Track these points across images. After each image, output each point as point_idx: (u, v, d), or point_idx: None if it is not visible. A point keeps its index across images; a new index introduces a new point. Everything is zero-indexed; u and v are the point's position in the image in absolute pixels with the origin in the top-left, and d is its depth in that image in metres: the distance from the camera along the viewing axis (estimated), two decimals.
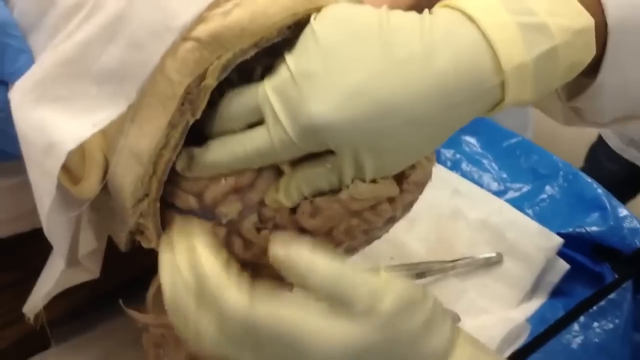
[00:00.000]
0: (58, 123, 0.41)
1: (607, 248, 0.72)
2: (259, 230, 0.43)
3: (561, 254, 0.72)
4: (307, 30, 0.41)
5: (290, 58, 0.40)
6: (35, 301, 0.49)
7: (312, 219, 0.43)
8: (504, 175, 0.80)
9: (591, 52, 0.42)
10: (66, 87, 0.41)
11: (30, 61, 0.44)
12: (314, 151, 0.40)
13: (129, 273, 0.60)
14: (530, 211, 0.77)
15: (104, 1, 0.41)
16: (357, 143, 0.39)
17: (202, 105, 0.40)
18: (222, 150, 0.42)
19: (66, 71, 0.41)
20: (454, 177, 0.75)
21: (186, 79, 0.39)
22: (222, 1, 0.39)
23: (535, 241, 0.70)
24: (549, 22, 0.40)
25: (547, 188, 0.78)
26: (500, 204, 0.73)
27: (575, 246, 0.72)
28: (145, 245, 0.46)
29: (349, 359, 0.38)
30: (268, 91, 0.40)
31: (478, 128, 0.83)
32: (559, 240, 0.70)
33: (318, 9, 0.41)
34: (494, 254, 0.70)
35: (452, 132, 0.41)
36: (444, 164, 0.80)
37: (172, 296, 0.41)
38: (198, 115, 0.40)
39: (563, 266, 0.70)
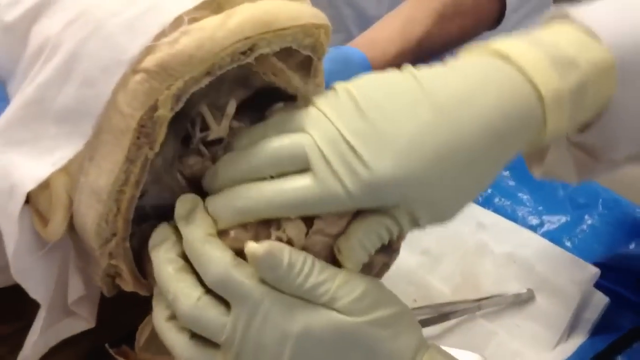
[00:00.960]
0: (20, 165, 0.41)
1: None
2: None
3: (601, 286, 0.66)
4: (340, 93, 0.41)
5: (330, 115, 0.40)
6: (27, 354, 0.48)
7: None
8: (540, 208, 0.76)
9: (614, 88, 0.44)
10: (28, 129, 0.41)
11: (4, 108, 0.44)
12: (366, 207, 0.39)
13: (133, 323, 0.59)
14: (569, 243, 0.72)
15: (60, 42, 0.41)
16: (416, 195, 0.39)
17: (159, 138, 0.39)
18: (253, 197, 0.40)
19: (28, 113, 0.41)
20: (477, 210, 0.72)
21: (137, 112, 0.38)
22: (169, 31, 0.38)
23: (568, 273, 0.65)
24: (579, 56, 0.42)
25: (587, 217, 0.73)
26: (528, 234, 0.69)
27: (617, 277, 0.67)
28: (125, 288, 0.44)
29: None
30: (320, 143, 0.39)
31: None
32: (595, 271, 0.65)
33: (272, 32, 0.40)
34: (524, 290, 0.65)
35: (501, 169, 0.42)
36: (475, 199, 0.76)
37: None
38: (156, 149, 0.39)
39: (602, 300, 0.65)
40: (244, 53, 0.40)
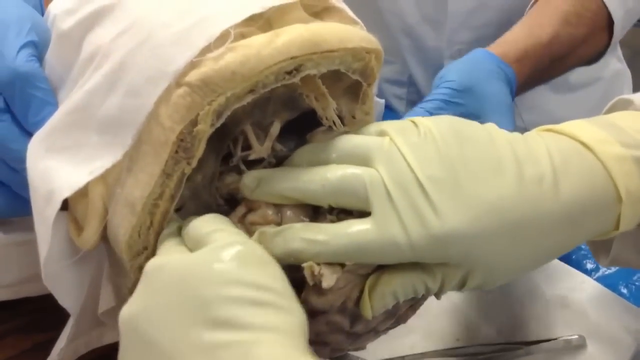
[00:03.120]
0: (60, 172, 0.41)
1: None
2: None
3: None
4: (421, 130, 0.39)
5: (407, 153, 0.38)
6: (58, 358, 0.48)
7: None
8: None
9: None
10: (71, 136, 0.41)
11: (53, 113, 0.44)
12: (427, 261, 0.37)
13: None
14: (625, 290, 0.69)
15: (110, 51, 0.41)
16: (480, 259, 0.37)
17: (198, 153, 0.39)
18: (306, 237, 0.37)
19: (72, 120, 0.41)
20: None
21: (178, 125, 0.38)
22: (216, 45, 0.38)
23: (622, 321, 0.62)
24: None
25: None
26: (582, 278, 0.66)
27: None
28: None
29: None
30: (388, 182, 0.37)
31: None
32: None
33: (319, 54, 0.39)
34: (575, 337, 0.62)
35: (561, 255, 0.42)
36: None
37: None
38: (194, 164, 0.39)
39: None
40: (289, 73, 0.39)
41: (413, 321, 0.64)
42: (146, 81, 0.38)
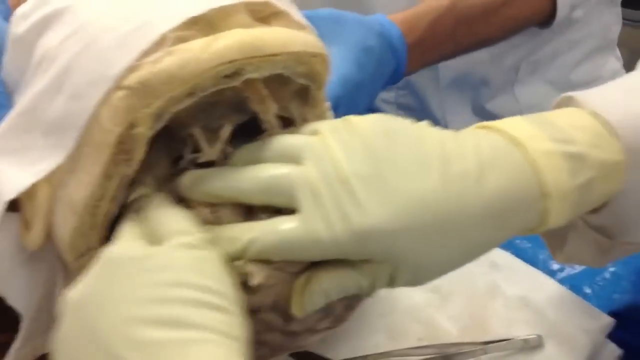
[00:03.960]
0: (7, 174, 0.41)
1: None
2: None
3: (617, 338, 0.64)
4: (353, 128, 0.40)
5: (337, 151, 0.38)
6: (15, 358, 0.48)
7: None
8: None
9: (620, 184, 0.44)
10: (19, 139, 0.42)
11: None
12: (351, 258, 0.38)
13: None
14: (589, 290, 0.69)
15: (57, 54, 0.41)
16: (404, 256, 0.38)
17: (137, 156, 0.39)
18: (235, 234, 0.39)
19: (20, 123, 0.42)
20: (494, 250, 0.69)
21: (117, 128, 0.38)
22: (155, 49, 0.38)
23: (581, 321, 0.62)
24: (590, 153, 0.42)
25: (609, 265, 0.70)
26: (542, 278, 0.67)
27: (635, 329, 0.64)
28: None
29: None
30: (315, 180, 0.38)
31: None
32: (609, 321, 0.62)
33: (260, 57, 0.39)
34: (533, 336, 0.63)
35: (493, 248, 0.42)
36: None
37: None
38: (134, 166, 0.40)
39: (614, 351, 0.62)
40: (229, 76, 0.39)
41: (377, 321, 0.66)
42: (88, 84, 0.39)
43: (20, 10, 0.45)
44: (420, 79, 0.98)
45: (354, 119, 0.40)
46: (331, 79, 0.50)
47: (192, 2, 0.40)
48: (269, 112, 0.41)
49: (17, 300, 0.45)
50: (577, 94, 0.46)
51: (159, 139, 0.42)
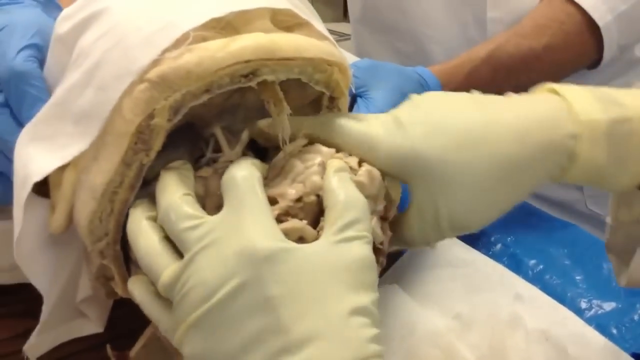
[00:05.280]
0: (36, 158, 0.44)
1: None
2: None
3: None
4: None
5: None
6: (32, 344, 0.50)
7: None
8: (592, 291, 0.72)
9: None
10: (51, 127, 0.45)
11: None
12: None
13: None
14: (615, 330, 0.68)
15: (90, 51, 0.44)
16: (437, 174, 0.42)
17: (156, 146, 0.42)
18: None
19: (54, 112, 0.45)
20: (518, 282, 0.69)
21: (137, 118, 0.41)
22: (177, 46, 0.41)
23: (600, 359, 0.61)
24: (625, 99, 0.44)
25: (639, 306, 0.69)
26: (565, 313, 0.66)
27: None
28: (117, 291, 0.47)
29: None
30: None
31: (569, 237, 0.76)
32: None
33: (275, 60, 0.42)
34: None
35: (524, 192, 0.44)
36: (525, 273, 0.74)
37: None
38: (152, 156, 0.42)
39: None
40: (245, 76, 0.42)
41: (396, 343, 0.66)
42: (114, 77, 0.42)
43: (64, 12, 0.49)
44: None
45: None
46: None
47: (216, 4, 0.43)
48: (282, 113, 0.43)
49: (40, 281, 0.47)
50: None
51: (182, 137, 0.44)
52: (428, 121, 0.43)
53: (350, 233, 0.37)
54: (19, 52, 0.49)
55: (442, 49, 0.97)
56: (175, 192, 0.40)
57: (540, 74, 0.83)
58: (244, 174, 0.39)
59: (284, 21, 0.46)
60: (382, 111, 0.64)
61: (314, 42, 0.44)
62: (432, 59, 0.98)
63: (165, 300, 0.39)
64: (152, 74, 0.40)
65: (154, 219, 0.40)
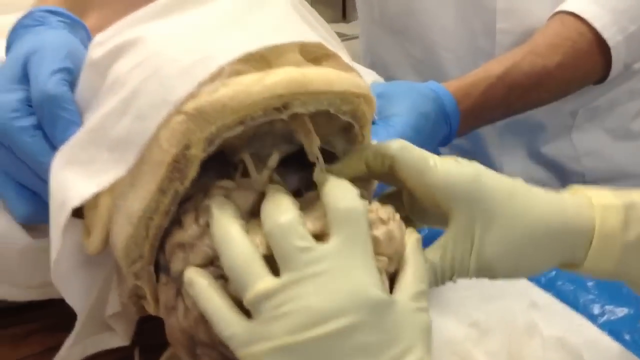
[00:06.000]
0: (73, 183, 0.46)
1: None
2: None
3: None
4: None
5: None
6: (62, 356, 0.52)
7: None
8: (605, 297, 0.74)
9: None
10: (87, 152, 0.46)
11: None
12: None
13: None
14: (628, 336, 0.70)
15: (126, 79, 0.46)
16: (489, 206, 0.45)
17: (190, 175, 0.43)
18: None
19: (90, 138, 0.47)
20: (533, 289, 0.71)
21: (174, 148, 0.42)
22: (212, 80, 0.42)
23: None
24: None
25: None
26: (580, 321, 0.67)
27: None
28: (148, 310, 0.48)
29: None
30: None
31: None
32: None
33: (306, 94, 0.43)
34: None
35: (541, 266, 0.49)
36: (537, 280, 0.76)
37: None
38: (187, 184, 0.44)
39: None
40: (278, 109, 0.43)
41: None
42: (151, 107, 0.43)
43: (97, 39, 0.50)
44: None
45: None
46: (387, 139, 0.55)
47: (249, 38, 0.44)
48: (313, 145, 0.45)
49: (75, 300, 0.49)
50: None
51: (211, 161, 0.46)
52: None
53: (423, 304, 0.41)
54: (51, 75, 0.50)
55: (452, 56, 0.98)
56: (290, 209, 0.41)
57: (550, 92, 0.85)
58: (361, 210, 0.41)
59: (313, 52, 0.47)
60: (401, 134, 0.66)
61: (343, 76, 0.45)
62: (442, 65, 1.00)
63: (233, 303, 0.40)
64: (189, 106, 0.42)
65: (242, 227, 0.42)
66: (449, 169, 0.46)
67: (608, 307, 0.73)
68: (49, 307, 0.61)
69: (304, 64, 0.45)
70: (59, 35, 0.55)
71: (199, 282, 0.41)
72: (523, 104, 0.84)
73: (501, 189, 0.46)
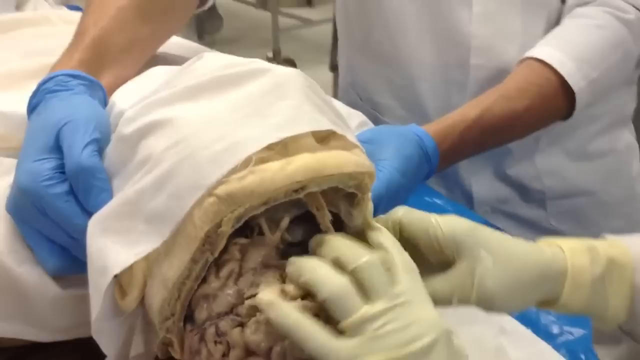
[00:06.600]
0: (112, 250, 0.52)
1: None
2: (215, 342, 0.51)
3: None
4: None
5: None
6: None
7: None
8: (564, 319, 0.82)
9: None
10: (123, 223, 0.52)
11: (109, 198, 0.56)
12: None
13: None
14: (583, 356, 0.78)
15: (161, 159, 0.52)
16: (489, 249, 0.55)
17: (220, 246, 0.50)
18: None
19: (125, 210, 0.53)
20: (504, 317, 0.79)
21: (206, 225, 0.49)
22: (240, 168, 0.49)
23: None
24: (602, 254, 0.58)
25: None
26: (542, 346, 0.76)
27: None
28: (174, 356, 0.55)
29: None
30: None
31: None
32: None
33: (321, 179, 0.50)
34: None
35: (525, 302, 0.58)
36: None
37: None
38: (216, 254, 0.50)
39: None
40: (296, 191, 0.50)
41: None
42: (186, 189, 0.50)
43: (127, 115, 0.56)
44: None
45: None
46: (377, 183, 0.62)
47: (271, 128, 0.51)
48: (325, 219, 0.52)
49: (109, 349, 0.56)
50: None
51: None
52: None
53: None
54: (84, 148, 0.56)
55: (429, 86, 1.06)
56: (365, 252, 0.50)
57: (520, 132, 0.94)
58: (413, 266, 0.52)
59: (323, 132, 0.54)
60: (389, 177, 0.73)
61: (351, 158, 0.52)
62: (419, 93, 1.07)
63: (316, 321, 0.47)
64: (221, 190, 0.49)
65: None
66: (452, 223, 0.55)
67: (566, 328, 0.82)
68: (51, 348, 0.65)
69: (317, 148, 0.52)
70: (86, 104, 0.61)
71: (281, 311, 0.48)
72: (495, 143, 0.93)
73: (492, 238, 0.56)
